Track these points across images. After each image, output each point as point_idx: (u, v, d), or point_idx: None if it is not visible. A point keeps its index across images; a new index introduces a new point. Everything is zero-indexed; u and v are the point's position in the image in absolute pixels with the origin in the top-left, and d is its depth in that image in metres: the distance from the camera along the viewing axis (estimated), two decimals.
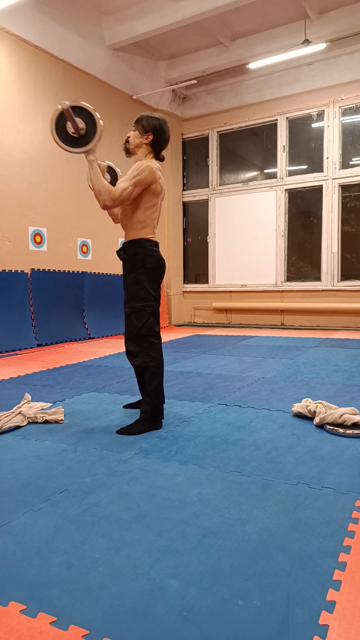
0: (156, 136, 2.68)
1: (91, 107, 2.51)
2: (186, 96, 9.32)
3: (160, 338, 2.72)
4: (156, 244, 2.72)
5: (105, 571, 1.34)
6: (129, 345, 2.69)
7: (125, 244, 2.70)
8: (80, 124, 2.50)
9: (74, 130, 2.50)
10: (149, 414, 2.63)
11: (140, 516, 1.64)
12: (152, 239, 2.68)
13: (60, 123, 2.52)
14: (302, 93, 8.31)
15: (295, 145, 8.59)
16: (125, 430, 2.57)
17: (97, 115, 2.51)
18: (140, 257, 2.63)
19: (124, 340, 2.75)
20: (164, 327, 8.81)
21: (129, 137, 2.72)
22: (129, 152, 2.74)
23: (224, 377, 4.09)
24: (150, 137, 2.67)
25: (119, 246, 2.68)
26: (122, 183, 2.55)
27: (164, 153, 2.80)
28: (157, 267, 2.69)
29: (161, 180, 2.67)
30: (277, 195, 8.68)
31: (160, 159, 2.75)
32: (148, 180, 2.57)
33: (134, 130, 2.70)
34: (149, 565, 1.36)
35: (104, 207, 2.57)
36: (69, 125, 2.50)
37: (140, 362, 2.65)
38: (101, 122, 2.52)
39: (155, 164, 2.65)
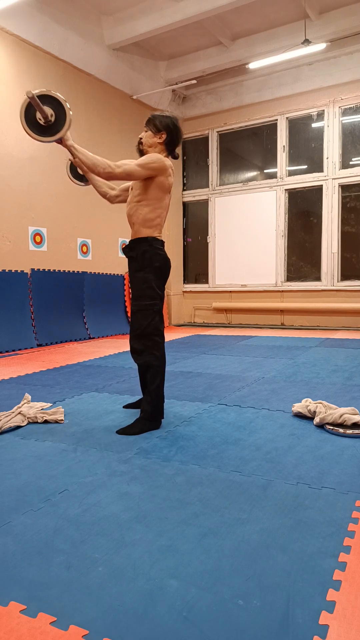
0: (170, 134, 2.67)
1: (59, 94, 2.47)
2: (186, 96, 9.32)
3: (164, 338, 2.72)
4: (162, 242, 2.72)
5: (105, 571, 1.34)
6: (134, 344, 2.69)
7: (132, 241, 2.69)
8: (49, 111, 2.45)
9: (43, 119, 2.46)
10: (149, 413, 2.63)
11: (140, 516, 1.64)
12: (159, 237, 2.69)
13: (30, 112, 2.48)
14: (302, 93, 8.31)
15: (295, 145, 8.59)
16: (125, 430, 2.57)
17: (65, 103, 2.46)
18: (149, 256, 2.63)
19: (128, 339, 2.75)
20: (165, 327, 8.81)
21: (141, 138, 2.72)
22: (142, 153, 2.73)
23: (224, 377, 4.09)
24: (164, 136, 2.67)
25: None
26: (133, 161, 2.53)
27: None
28: (164, 266, 2.69)
29: (171, 178, 2.66)
30: (277, 195, 8.68)
31: (175, 157, 2.76)
32: (155, 167, 2.53)
33: (146, 131, 2.70)
34: (149, 565, 1.36)
35: (108, 175, 2.47)
36: (38, 114, 2.46)
37: (144, 361, 2.66)
38: (70, 110, 2.47)
39: (169, 161, 2.65)
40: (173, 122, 2.68)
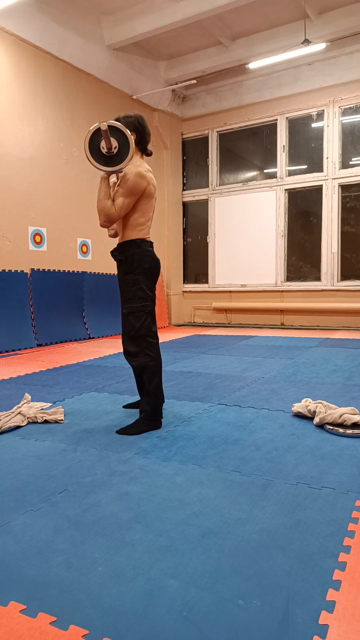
0: (138, 134, 2.68)
1: (125, 127, 2.53)
2: (186, 96, 9.32)
3: (157, 338, 2.73)
4: (151, 244, 2.72)
5: (105, 571, 1.34)
6: (128, 346, 2.69)
7: (120, 245, 2.69)
8: (114, 142, 2.52)
9: (107, 149, 2.52)
10: (149, 413, 2.63)
11: (140, 516, 1.64)
12: (147, 239, 2.69)
13: (94, 140, 2.55)
14: (302, 93, 8.31)
15: (295, 145, 8.59)
16: (125, 430, 2.57)
17: (130, 136, 2.52)
18: (138, 258, 2.63)
19: (121, 341, 2.75)
20: (164, 327, 8.81)
21: None
22: None
23: (224, 377, 4.09)
24: (134, 137, 2.66)
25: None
26: (118, 199, 2.56)
27: (151, 148, 2.80)
28: (154, 268, 2.70)
29: (152, 180, 2.66)
30: (277, 195, 8.68)
31: (148, 154, 2.75)
32: (141, 187, 2.57)
33: None
34: (149, 565, 1.36)
35: (102, 225, 2.63)
36: (102, 144, 2.53)
37: (140, 362, 2.66)
38: (133, 142, 2.54)
39: (143, 165, 2.64)
40: (138, 120, 2.69)
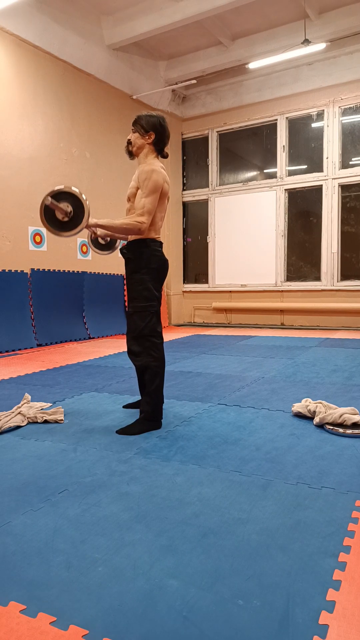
0: (158, 134, 2.65)
1: (72, 187, 2.62)
2: (186, 96, 9.32)
3: (162, 338, 2.71)
4: (160, 244, 2.71)
5: (105, 571, 1.34)
6: (132, 345, 2.69)
7: (130, 243, 2.68)
8: (67, 207, 2.60)
9: (63, 216, 2.61)
10: (149, 413, 2.62)
11: (140, 516, 1.64)
12: (157, 239, 2.67)
13: (49, 212, 2.63)
14: (302, 93, 8.31)
15: (295, 145, 8.59)
16: (125, 430, 2.57)
17: (81, 195, 2.59)
18: (146, 257, 2.62)
19: (125, 339, 2.75)
20: (164, 327, 8.81)
21: (129, 139, 2.70)
22: (132, 155, 2.72)
23: (224, 377, 4.09)
24: (153, 137, 2.65)
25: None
26: (141, 200, 2.55)
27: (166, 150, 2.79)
28: (161, 268, 2.68)
29: (167, 178, 2.65)
30: (277, 195, 8.68)
31: (164, 156, 2.74)
32: (160, 183, 2.56)
33: (134, 132, 2.67)
34: (149, 565, 1.36)
35: (143, 229, 2.55)
36: (57, 213, 2.61)
37: (143, 362, 2.65)
38: (86, 201, 2.60)
39: (158, 164, 2.63)
40: (160, 121, 2.66)
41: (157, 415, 2.66)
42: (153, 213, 2.57)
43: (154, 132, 2.65)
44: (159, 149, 2.70)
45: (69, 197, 2.61)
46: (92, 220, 2.62)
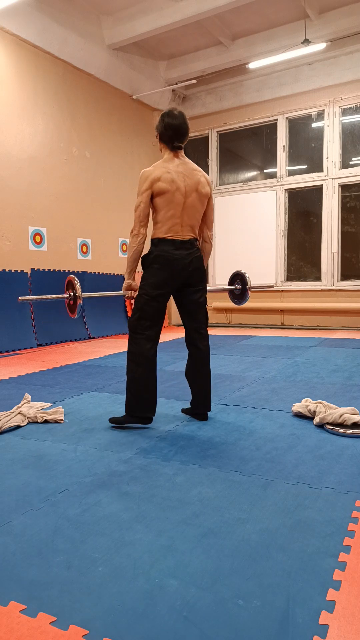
0: (160, 131, 2.71)
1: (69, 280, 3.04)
2: (186, 96, 9.32)
3: (144, 335, 2.67)
4: (171, 242, 2.65)
5: (105, 571, 1.34)
6: None
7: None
8: (71, 292, 3.09)
9: (73, 298, 3.13)
10: (126, 406, 2.69)
11: (140, 516, 1.64)
12: (168, 237, 2.65)
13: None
14: (302, 93, 8.30)
15: (295, 145, 8.59)
16: (114, 419, 2.72)
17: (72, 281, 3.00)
18: (152, 257, 2.66)
19: (128, 337, 2.82)
20: (165, 327, 8.81)
21: None
22: None
23: (224, 377, 4.09)
24: (158, 135, 2.73)
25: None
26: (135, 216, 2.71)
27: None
28: (165, 268, 2.64)
29: (166, 175, 2.60)
30: (277, 195, 8.68)
31: (175, 147, 2.67)
32: (145, 187, 2.62)
33: None
34: (149, 565, 1.36)
35: (134, 236, 2.68)
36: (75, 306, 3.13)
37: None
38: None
39: (158, 166, 2.64)
40: (162, 116, 2.71)
41: (132, 410, 2.66)
42: (141, 215, 2.64)
43: (158, 130, 2.72)
44: (166, 141, 2.70)
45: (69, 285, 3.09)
46: (126, 293, 2.88)
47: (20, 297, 3.03)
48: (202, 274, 2.81)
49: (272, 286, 4.36)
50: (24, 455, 2.27)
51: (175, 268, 2.66)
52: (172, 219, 2.65)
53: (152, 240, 2.69)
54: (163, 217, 2.64)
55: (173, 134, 2.65)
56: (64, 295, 3.11)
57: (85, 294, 3.03)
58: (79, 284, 3.01)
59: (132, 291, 2.86)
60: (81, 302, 3.06)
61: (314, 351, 5.50)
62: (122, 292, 2.92)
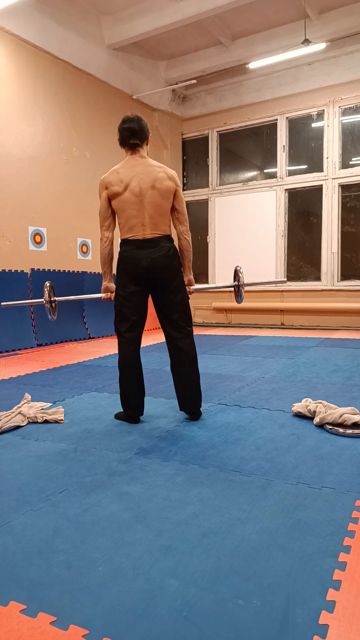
0: (118, 137, 2.79)
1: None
2: (186, 96, 9.32)
3: (125, 337, 2.75)
4: (133, 242, 2.68)
5: (105, 571, 1.34)
6: None
7: None
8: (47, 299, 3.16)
9: (50, 303, 3.16)
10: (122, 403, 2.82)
11: (140, 516, 1.64)
12: (129, 238, 2.70)
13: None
14: (302, 93, 8.30)
15: (295, 145, 8.59)
16: (117, 415, 2.88)
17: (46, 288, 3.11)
18: (119, 259, 2.74)
19: None
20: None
21: None
22: None
23: (224, 376, 4.09)
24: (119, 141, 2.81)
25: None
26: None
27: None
28: (130, 268, 2.69)
29: (114, 177, 2.66)
30: (277, 195, 8.68)
31: (132, 146, 2.73)
32: (100, 191, 2.74)
33: None
34: (149, 565, 1.36)
35: (101, 240, 2.81)
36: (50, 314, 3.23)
37: None
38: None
39: (113, 170, 2.72)
40: (119, 125, 2.79)
41: (124, 408, 2.80)
42: (101, 220, 2.75)
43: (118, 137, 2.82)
44: (124, 144, 2.76)
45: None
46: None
47: (2, 303, 3.24)
48: (172, 272, 2.71)
49: (284, 281, 4.29)
50: (24, 455, 2.27)
51: (138, 267, 2.67)
52: (131, 219, 2.67)
53: (120, 243, 2.76)
54: (123, 219, 2.70)
55: (127, 134, 2.72)
56: (41, 300, 3.20)
57: (60, 298, 3.16)
58: (47, 290, 3.12)
59: (109, 293, 2.89)
60: (52, 306, 3.14)
61: (314, 351, 5.50)
62: (98, 295, 2.99)
